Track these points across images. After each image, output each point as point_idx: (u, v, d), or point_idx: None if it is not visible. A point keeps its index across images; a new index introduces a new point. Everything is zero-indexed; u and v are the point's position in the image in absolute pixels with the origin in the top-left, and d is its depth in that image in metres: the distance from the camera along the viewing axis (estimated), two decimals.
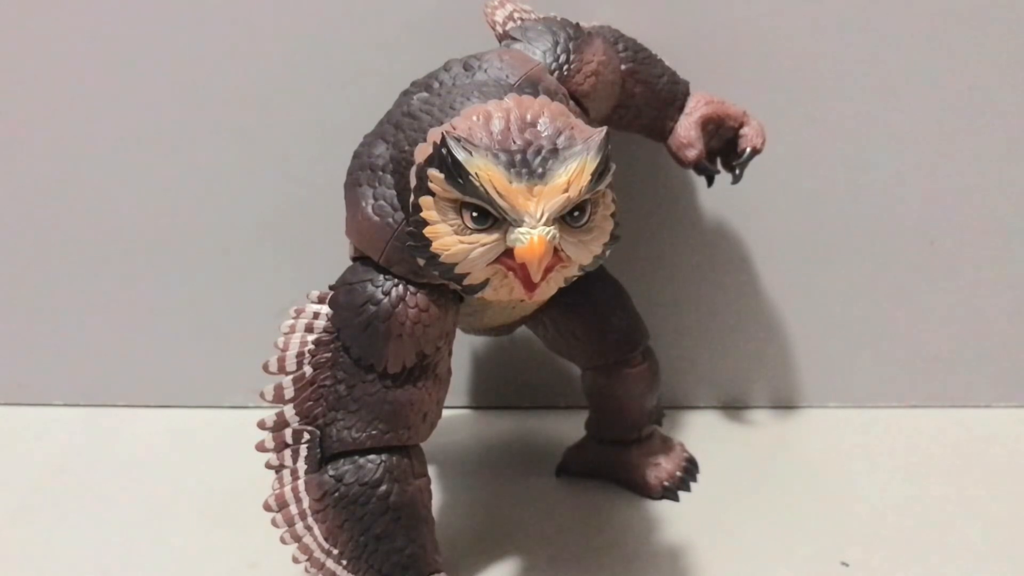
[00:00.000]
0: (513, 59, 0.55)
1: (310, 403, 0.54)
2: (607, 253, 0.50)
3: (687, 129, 0.67)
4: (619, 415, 0.68)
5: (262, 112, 0.74)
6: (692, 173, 0.73)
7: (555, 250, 0.46)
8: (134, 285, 0.78)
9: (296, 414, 0.54)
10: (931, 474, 0.71)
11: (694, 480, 0.70)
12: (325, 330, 0.54)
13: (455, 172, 0.46)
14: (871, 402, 0.80)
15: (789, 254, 0.77)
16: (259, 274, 0.78)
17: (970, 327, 0.78)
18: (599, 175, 0.47)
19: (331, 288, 0.55)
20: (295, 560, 0.55)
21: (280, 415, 0.54)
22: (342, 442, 0.54)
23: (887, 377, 0.79)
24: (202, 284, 0.78)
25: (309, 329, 0.54)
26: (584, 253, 0.48)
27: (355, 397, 0.54)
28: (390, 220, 0.53)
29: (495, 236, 0.47)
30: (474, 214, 0.46)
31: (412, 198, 0.49)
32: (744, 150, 0.68)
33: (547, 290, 0.48)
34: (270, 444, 0.55)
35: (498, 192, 0.45)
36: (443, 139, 0.46)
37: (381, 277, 0.54)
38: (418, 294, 0.53)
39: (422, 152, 0.49)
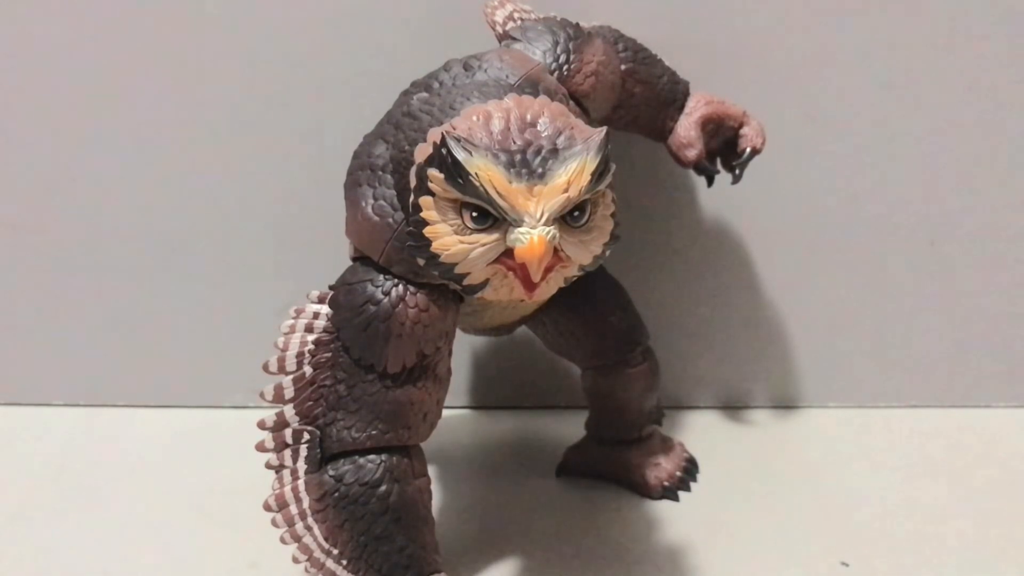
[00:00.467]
0: (513, 59, 0.55)
1: (310, 403, 0.54)
2: (607, 253, 0.50)
3: (687, 129, 0.67)
4: (619, 415, 0.68)
5: (262, 112, 0.74)
6: (692, 173, 0.73)
7: (555, 250, 0.46)
8: (134, 285, 0.78)
9: (296, 414, 0.54)
10: (931, 474, 0.71)
11: (694, 480, 0.70)
12: (325, 330, 0.54)
13: (455, 172, 0.46)
14: (871, 402, 0.80)
15: (789, 254, 0.77)
16: (259, 274, 0.78)
17: (970, 327, 0.78)
18: (599, 175, 0.47)
19: (331, 288, 0.55)
20: (295, 560, 0.55)
21: (280, 415, 0.54)
22: (342, 442, 0.54)
23: (887, 377, 0.79)
24: (202, 284, 0.78)
25: (309, 329, 0.54)
26: (584, 253, 0.48)
27: (355, 397, 0.54)
28: (390, 220, 0.53)
29: (495, 236, 0.47)
30: (474, 214, 0.46)
31: (412, 198, 0.49)
32: (744, 150, 0.68)
33: (547, 290, 0.48)
34: (270, 444, 0.55)
35: (498, 192, 0.45)
36: (443, 139, 0.46)
37: (381, 277, 0.54)
38: (418, 294, 0.53)
39: (422, 152, 0.49)
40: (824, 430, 0.77)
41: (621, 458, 0.69)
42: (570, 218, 0.47)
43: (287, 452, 0.55)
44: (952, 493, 0.68)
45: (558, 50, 0.58)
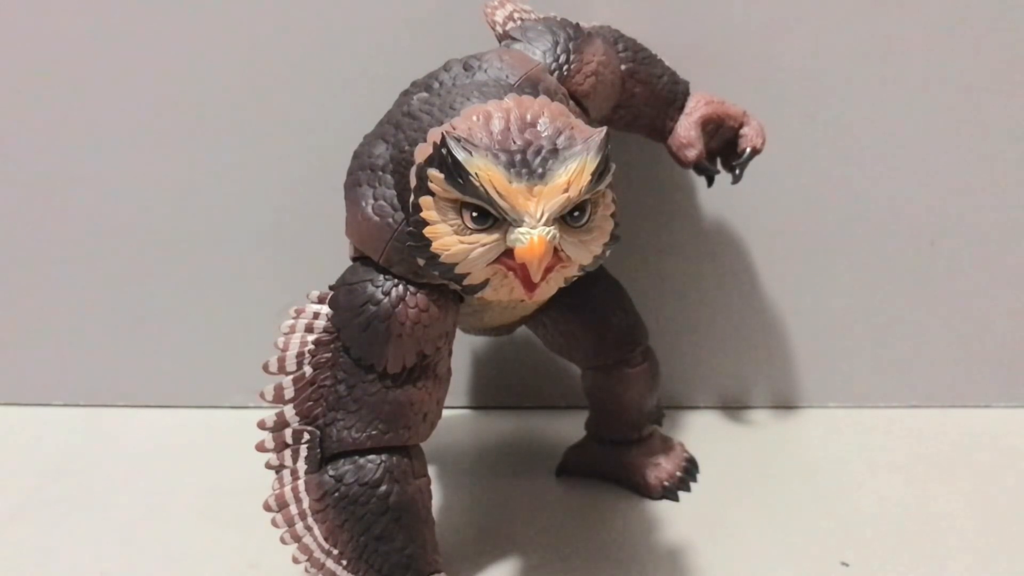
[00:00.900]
0: (513, 59, 0.55)
1: (310, 403, 0.54)
2: (607, 253, 0.50)
3: (687, 129, 0.67)
4: (619, 415, 0.68)
5: (262, 112, 0.74)
6: (692, 173, 0.73)
7: (555, 250, 0.46)
8: (134, 285, 0.78)
9: (296, 414, 0.54)
10: (931, 474, 0.71)
11: (694, 480, 0.70)
12: (325, 330, 0.54)
13: (455, 172, 0.46)
14: (871, 402, 0.80)
15: (789, 254, 0.77)
16: (259, 274, 0.78)
17: (970, 327, 0.78)
18: (599, 175, 0.47)
19: (331, 288, 0.55)
20: (295, 560, 0.55)
21: (280, 415, 0.54)
22: (342, 442, 0.54)
23: (887, 377, 0.79)
24: (202, 284, 0.78)
25: (309, 329, 0.54)
26: (584, 253, 0.48)
27: (355, 397, 0.54)
28: (390, 220, 0.53)
29: (495, 236, 0.47)
30: (474, 214, 0.46)
31: (412, 198, 0.49)
32: (744, 150, 0.68)
33: (547, 290, 0.48)
34: (270, 444, 0.55)
35: (498, 192, 0.45)
36: (443, 139, 0.46)
37: (381, 277, 0.54)
38: (418, 294, 0.53)
39: (422, 152, 0.49)
40: (824, 430, 0.77)
41: (621, 458, 0.69)
42: (570, 218, 0.47)
43: (287, 452, 0.55)
44: (952, 493, 0.68)
45: (558, 50, 0.58)
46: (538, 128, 0.47)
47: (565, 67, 0.58)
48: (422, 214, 0.48)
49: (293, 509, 0.55)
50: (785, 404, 0.80)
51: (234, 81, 0.74)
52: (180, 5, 0.73)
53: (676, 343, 0.78)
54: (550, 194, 0.45)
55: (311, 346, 0.54)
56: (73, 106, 0.75)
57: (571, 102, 0.57)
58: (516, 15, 0.63)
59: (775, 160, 0.72)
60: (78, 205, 0.77)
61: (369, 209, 0.54)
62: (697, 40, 0.72)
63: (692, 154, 0.67)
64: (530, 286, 0.47)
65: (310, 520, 0.55)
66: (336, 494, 0.54)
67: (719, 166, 0.70)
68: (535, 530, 0.65)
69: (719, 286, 0.78)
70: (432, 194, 0.48)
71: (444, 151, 0.46)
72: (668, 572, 0.61)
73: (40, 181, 0.76)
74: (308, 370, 0.54)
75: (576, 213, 0.47)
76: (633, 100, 0.65)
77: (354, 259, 0.56)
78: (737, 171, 0.68)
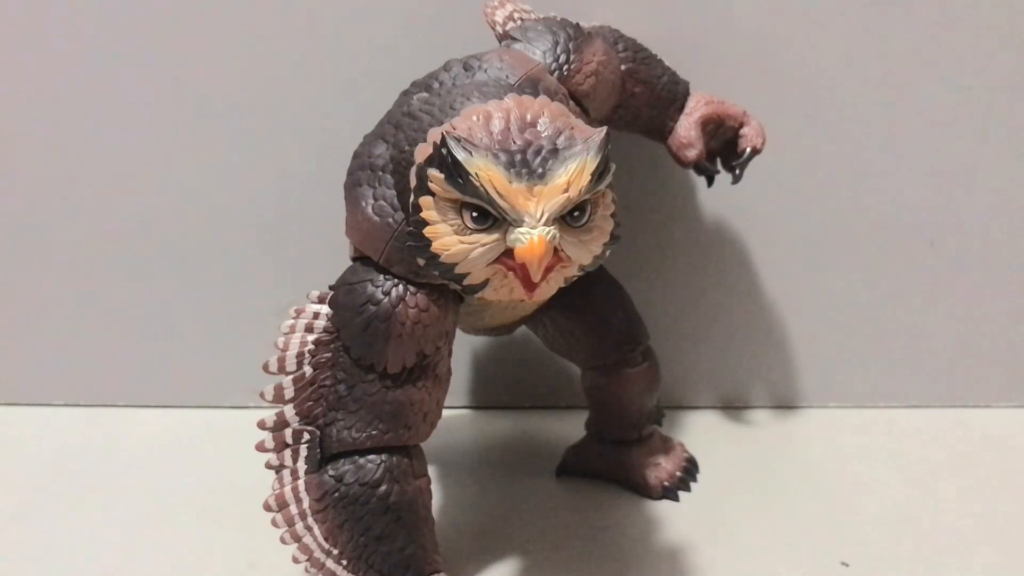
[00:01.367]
0: (513, 59, 0.55)
1: (310, 403, 0.54)
2: (607, 253, 0.50)
3: (687, 129, 0.67)
4: (619, 415, 0.68)
5: (262, 112, 0.74)
6: (692, 173, 0.73)
7: (555, 250, 0.46)
8: (134, 285, 0.78)
9: (296, 414, 0.54)
10: (931, 474, 0.71)
11: (694, 480, 0.70)
12: (325, 330, 0.54)
13: (455, 172, 0.46)
14: (871, 402, 0.80)
15: (789, 254, 0.77)
16: (259, 274, 0.78)
17: (970, 327, 0.78)
18: (599, 175, 0.47)
19: (331, 288, 0.55)
20: (295, 560, 0.55)
21: (280, 415, 0.54)
22: (342, 442, 0.54)
23: (887, 377, 0.79)
24: (202, 284, 0.78)
25: (309, 329, 0.54)
26: (584, 253, 0.48)
27: (355, 397, 0.54)
28: (390, 220, 0.53)
29: (495, 236, 0.47)
30: (474, 214, 0.46)
31: (412, 198, 0.49)
32: (744, 150, 0.68)
33: (547, 290, 0.48)
34: (270, 444, 0.55)
35: (498, 192, 0.45)
36: (443, 139, 0.46)
37: (381, 277, 0.54)
38: (418, 294, 0.53)
39: (422, 152, 0.49)
40: (824, 430, 0.77)
41: (621, 458, 0.69)
42: (570, 218, 0.47)
43: (287, 452, 0.55)
44: (952, 493, 0.68)
45: (558, 50, 0.58)
46: (538, 128, 0.47)
47: (565, 67, 0.58)
48: (422, 214, 0.48)
49: (293, 509, 0.55)
50: (785, 404, 0.80)
51: (234, 81, 0.74)
52: (180, 5, 0.73)
53: (676, 343, 0.78)
54: (550, 194, 0.45)
55: (311, 346, 0.54)
56: (73, 106, 0.75)
57: (571, 102, 0.57)
58: (516, 15, 0.63)
59: (775, 160, 0.72)
60: (78, 205, 0.77)
61: (369, 209, 0.54)
62: (697, 40, 0.72)
63: (692, 154, 0.67)
64: (530, 286, 0.47)
65: (310, 520, 0.55)
66: (336, 494, 0.54)
67: (719, 166, 0.70)
68: (535, 530, 0.65)
69: (719, 286, 0.78)
70: (432, 194, 0.48)
71: (444, 151, 0.46)
72: (668, 572, 0.61)
73: (40, 181, 0.76)
74: (308, 370, 0.54)
75: (576, 213, 0.47)
76: (633, 100, 0.65)
77: (354, 259, 0.56)
78: (737, 171, 0.68)
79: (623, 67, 0.64)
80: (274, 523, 0.55)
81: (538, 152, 0.46)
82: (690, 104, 0.67)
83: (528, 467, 0.72)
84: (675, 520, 0.66)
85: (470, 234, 0.47)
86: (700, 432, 0.77)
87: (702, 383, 0.80)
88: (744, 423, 0.78)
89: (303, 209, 0.76)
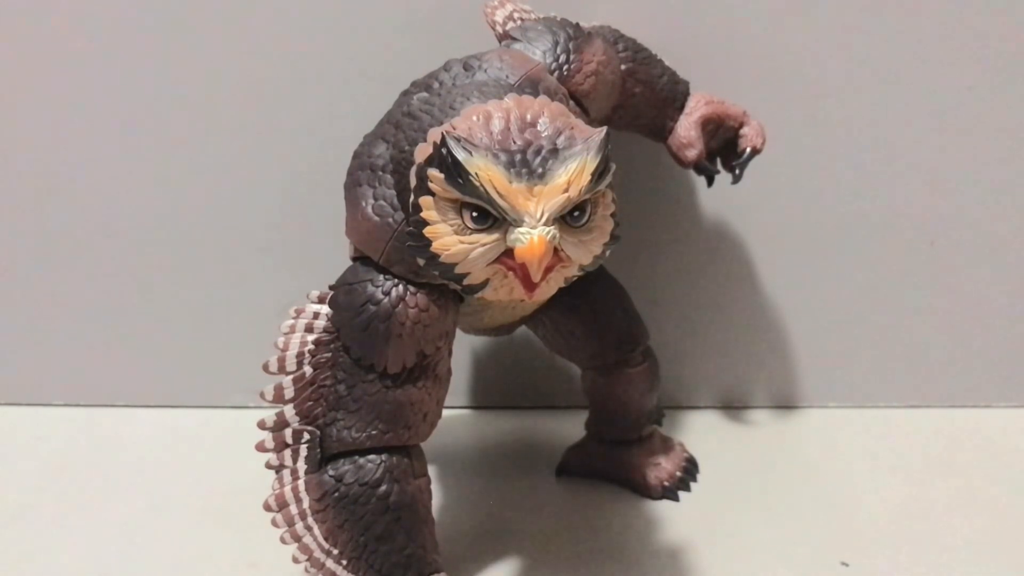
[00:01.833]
0: (513, 59, 0.55)
1: (310, 403, 0.54)
2: (607, 253, 0.50)
3: (687, 129, 0.67)
4: (619, 415, 0.68)
5: (262, 112, 0.74)
6: (692, 173, 0.73)
7: (555, 250, 0.46)
8: (134, 285, 0.78)
9: (296, 414, 0.54)
10: (931, 474, 0.71)
11: (694, 480, 0.70)
12: (325, 330, 0.54)
13: (455, 172, 0.46)
14: (871, 402, 0.80)
15: (789, 254, 0.77)
16: (259, 274, 0.78)
17: (970, 327, 0.78)
18: (599, 175, 0.47)
19: (331, 288, 0.55)
20: (295, 560, 0.55)
21: (280, 415, 0.54)
22: (342, 442, 0.54)
23: (887, 377, 0.79)
24: (202, 284, 0.78)
25: (309, 329, 0.54)
26: (584, 253, 0.48)
27: (355, 397, 0.54)
28: (390, 220, 0.53)
29: (495, 236, 0.47)
30: (474, 214, 0.46)
31: (412, 198, 0.49)
32: (744, 150, 0.68)
33: (547, 290, 0.48)
34: (270, 444, 0.55)
35: (498, 192, 0.45)
36: (443, 139, 0.46)
37: (381, 277, 0.54)
38: (418, 294, 0.53)
39: (422, 152, 0.49)
40: (824, 430, 0.77)
41: (621, 458, 0.69)
42: (570, 218, 0.47)
43: (287, 452, 0.55)
44: (952, 493, 0.68)
45: (558, 50, 0.58)
46: (538, 128, 0.47)
47: (565, 67, 0.58)
48: (422, 214, 0.48)
49: (293, 509, 0.55)
50: (785, 404, 0.80)
51: (234, 81, 0.74)
52: (180, 5, 0.73)
53: (676, 343, 0.78)
54: (550, 194, 0.45)
55: (311, 346, 0.54)
56: (73, 106, 0.75)
57: (571, 102, 0.57)
58: (516, 15, 0.63)
59: (775, 160, 0.72)
60: (78, 205, 0.77)
61: (369, 209, 0.54)
62: (697, 40, 0.72)
63: (692, 154, 0.67)
64: (530, 286, 0.47)
65: (310, 520, 0.55)
66: (336, 494, 0.54)
67: (719, 166, 0.70)
68: (535, 530, 0.65)
69: (719, 286, 0.78)
70: (432, 194, 0.48)
71: (444, 151, 0.46)
72: (668, 572, 0.61)
73: (40, 181, 0.76)
74: (308, 370, 0.54)
75: (576, 213, 0.47)
76: (633, 100, 0.65)
77: (354, 259, 0.56)
78: (737, 171, 0.68)
79: (623, 67, 0.64)
80: (274, 523, 0.55)
81: (538, 152, 0.46)
82: (690, 104, 0.67)
83: (528, 467, 0.72)
84: (675, 520, 0.66)
85: (470, 234, 0.47)
86: (700, 432, 0.77)
87: (702, 383, 0.80)
88: (744, 423, 0.78)
89: (303, 209, 0.76)
